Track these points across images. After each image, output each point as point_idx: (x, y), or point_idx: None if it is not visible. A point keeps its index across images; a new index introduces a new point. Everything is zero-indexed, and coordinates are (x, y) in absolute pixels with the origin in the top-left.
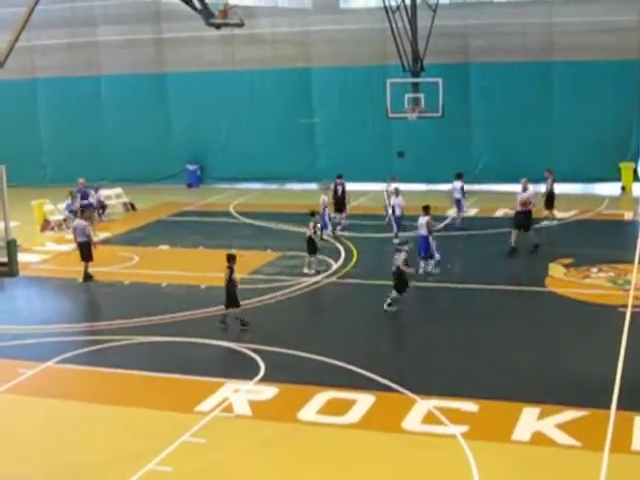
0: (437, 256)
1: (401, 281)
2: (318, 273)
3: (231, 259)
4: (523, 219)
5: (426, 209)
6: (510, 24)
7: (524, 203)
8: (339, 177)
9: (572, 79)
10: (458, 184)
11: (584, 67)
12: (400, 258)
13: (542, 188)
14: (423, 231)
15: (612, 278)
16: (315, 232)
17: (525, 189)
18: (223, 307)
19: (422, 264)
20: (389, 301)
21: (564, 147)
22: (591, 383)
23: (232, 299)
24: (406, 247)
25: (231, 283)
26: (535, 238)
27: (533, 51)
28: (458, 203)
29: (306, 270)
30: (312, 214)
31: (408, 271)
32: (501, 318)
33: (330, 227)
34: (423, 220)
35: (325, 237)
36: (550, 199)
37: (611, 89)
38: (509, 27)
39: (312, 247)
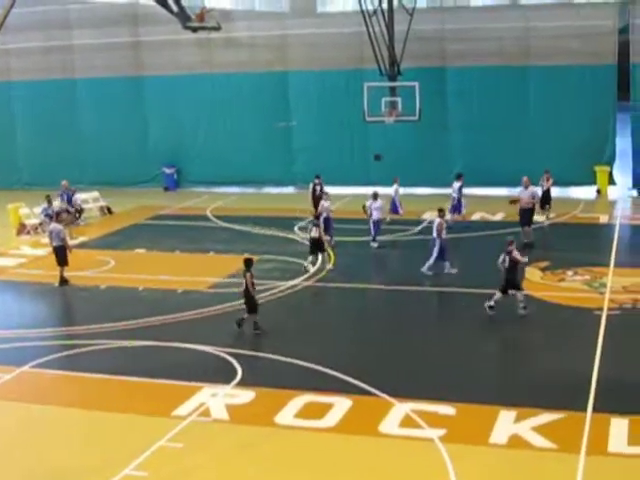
0: (431, 259)
1: None
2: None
3: (250, 264)
4: (527, 216)
5: (441, 212)
6: (486, 28)
7: (527, 201)
8: (317, 177)
9: (548, 83)
10: (457, 184)
11: (560, 71)
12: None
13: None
14: (435, 233)
15: (588, 281)
16: (320, 234)
17: (527, 187)
18: (245, 312)
19: (446, 265)
20: (522, 305)
21: (540, 151)
22: (567, 385)
23: (254, 304)
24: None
25: (253, 288)
26: (530, 237)
27: (510, 55)
28: (458, 203)
29: (309, 266)
30: (317, 217)
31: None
32: (477, 321)
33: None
34: (436, 222)
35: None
36: (546, 199)
37: (587, 93)
38: (486, 31)
39: (315, 247)
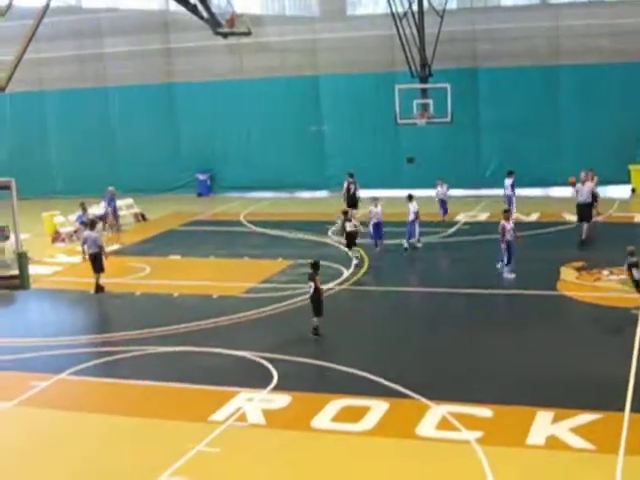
0: (502, 262)
1: None
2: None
3: (317, 267)
4: (586, 211)
5: (507, 212)
6: (517, 28)
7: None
8: (351, 176)
9: (580, 82)
10: (509, 181)
11: (591, 70)
12: None
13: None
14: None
15: (624, 280)
16: (356, 226)
17: (584, 182)
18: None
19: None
20: None
21: (573, 150)
22: (604, 386)
23: (321, 308)
24: None
25: (320, 292)
26: (586, 233)
27: (540, 55)
28: (509, 200)
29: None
30: (345, 213)
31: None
32: (513, 322)
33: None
34: (509, 225)
35: (418, 245)
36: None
37: (618, 92)
38: (516, 31)
39: (350, 240)
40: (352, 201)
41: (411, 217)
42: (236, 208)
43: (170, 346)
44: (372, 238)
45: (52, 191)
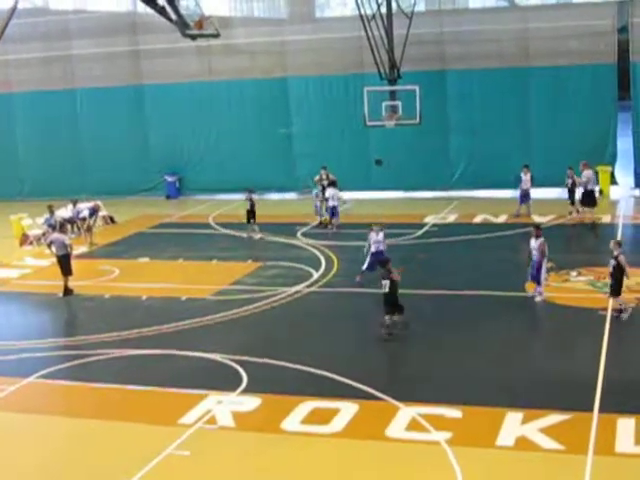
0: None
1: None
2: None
3: (386, 263)
4: (589, 198)
5: (538, 229)
6: (486, 31)
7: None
8: (324, 168)
9: (549, 84)
10: (527, 176)
11: (560, 72)
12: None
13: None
14: (536, 255)
15: (591, 281)
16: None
17: (582, 171)
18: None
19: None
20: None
21: (541, 152)
22: (573, 386)
23: (396, 305)
24: None
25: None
26: (593, 218)
27: (509, 57)
28: (525, 194)
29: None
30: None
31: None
32: (482, 323)
33: None
34: (536, 244)
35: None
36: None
37: (588, 93)
38: (485, 34)
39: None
40: (324, 190)
41: (373, 248)
42: (205, 210)
43: (139, 349)
44: (365, 269)
45: (20, 194)
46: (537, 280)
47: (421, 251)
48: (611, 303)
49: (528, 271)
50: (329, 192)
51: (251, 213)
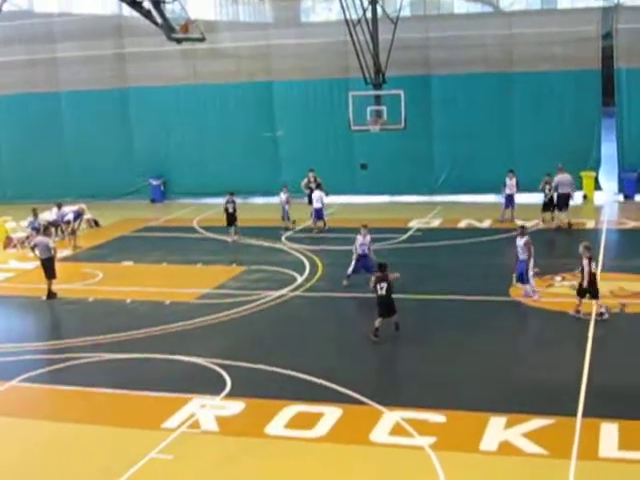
0: (530, 284)
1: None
2: None
3: (386, 267)
4: (559, 200)
5: (523, 229)
6: (470, 36)
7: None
8: (311, 170)
9: (533, 90)
10: (512, 181)
11: (544, 77)
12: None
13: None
14: (522, 254)
15: (575, 286)
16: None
17: (556, 175)
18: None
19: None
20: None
21: (525, 157)
22: (557, 391)
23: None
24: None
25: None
26: (567, 217)
27: (493, 62)
28: (510, 199)
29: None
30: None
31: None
32: (466, 328)
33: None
34: (521, 241)
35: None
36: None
37: (572, 99)
38: (469, 39)
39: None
40: (311, 193)
41: (359, 250)
42: (190, 214)
43: (122, 353)
44: (350, 273)
45: (3, 197)
46: (524, 280)
47: (405, 256)
48: (595, 308)
49: (514, 273)
50: (315, 195)
51: (232, 217)
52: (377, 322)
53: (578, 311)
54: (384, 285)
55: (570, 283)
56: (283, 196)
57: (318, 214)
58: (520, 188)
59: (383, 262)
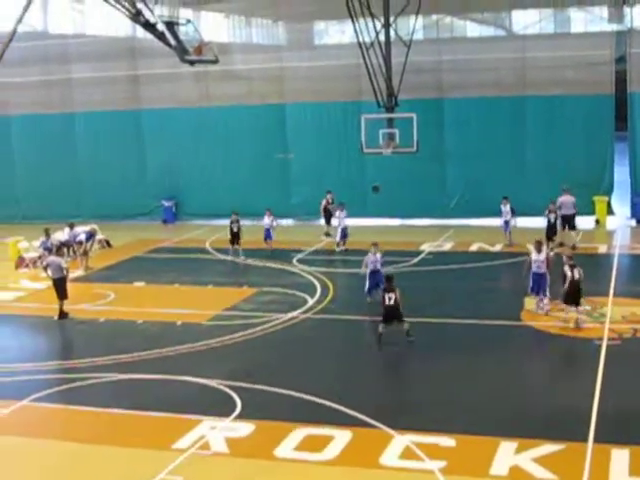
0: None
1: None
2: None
3: (392, 279)
4: (564, 221)
5: (539, 244)
6: (483, 59)
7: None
8: (329, 192)
9: (545, 114)
10: (507, 207)
11: (557, 102)
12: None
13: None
14: (541, 268)
15: (588, 311)
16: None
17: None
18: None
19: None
20: None
21: (538, 181)
22: (568, 416)
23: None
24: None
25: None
26: (576, 239)
27: (506, 86)
28: (506, 224)
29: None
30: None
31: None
32: (477, 352)
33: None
34: (541, 256)
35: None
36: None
37: (584, 123)
38: (482, 62)
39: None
40: (328, 215)
41: (371, 267)
42: (201, 235)
43: (133, 373)
44: (368, 291)
45: (16, 217)
46: (540, 291)
47: (416, 279)
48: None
49: (527, 284)
50: (341, 214)
51: (236, 236)
52: (380, 327)
53: (578, 323)
54: (392, 296)
55: (582, 308)
56: (267, 219)
57: (344, 233)
58: (531, 212)
59: (390, 274)
